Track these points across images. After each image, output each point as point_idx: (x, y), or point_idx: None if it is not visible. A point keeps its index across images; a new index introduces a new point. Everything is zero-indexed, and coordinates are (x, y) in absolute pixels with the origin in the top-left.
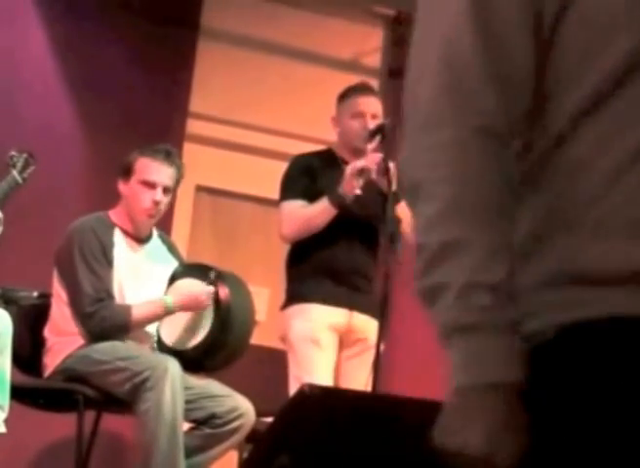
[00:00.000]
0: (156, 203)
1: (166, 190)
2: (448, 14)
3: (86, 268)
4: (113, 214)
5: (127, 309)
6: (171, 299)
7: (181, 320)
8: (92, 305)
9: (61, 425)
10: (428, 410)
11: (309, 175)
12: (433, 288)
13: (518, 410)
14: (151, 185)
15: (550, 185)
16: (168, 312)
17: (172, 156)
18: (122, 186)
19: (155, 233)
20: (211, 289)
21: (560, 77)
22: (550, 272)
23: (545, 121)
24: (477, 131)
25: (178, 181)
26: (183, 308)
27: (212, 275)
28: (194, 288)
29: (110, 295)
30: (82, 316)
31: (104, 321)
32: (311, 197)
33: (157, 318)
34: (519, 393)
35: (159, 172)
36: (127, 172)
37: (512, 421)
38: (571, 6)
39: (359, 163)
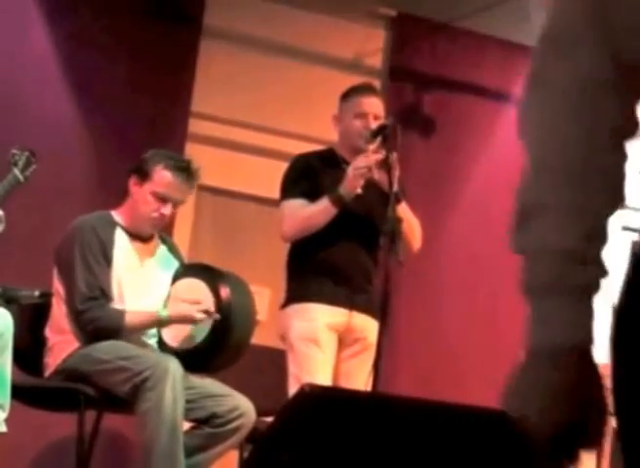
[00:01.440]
0: (163, 216)
1: (176, 205)
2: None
3: (83, 266)
4: (117, 213)
5: (120, 314)
6: (166, 314)
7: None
8: (84, 303)
9: (62, 425)
10: (428, 410)
11: (310, 174)
12: (518, 248)
13: (578, 374)
14: (163, 200)
15: None
16: (161, 325)
17: (192, 173)
18: (133, 186)
19: (156, 234)
20: (205, 317)
21: None
22: None
23: None
24: (579, 82)
25: (189, 194)
26: (176, 323)
27: (212, 296)
28: (191, 301)
29: (105, 294)
30: (74, 313)
31: (95, 321)
32: (312, 197)
33: (149, 328)
34: (586, 354)
35: (176, 190)
36: (143, 175)
37: (567, 388)
38: None
39: (360, 162)
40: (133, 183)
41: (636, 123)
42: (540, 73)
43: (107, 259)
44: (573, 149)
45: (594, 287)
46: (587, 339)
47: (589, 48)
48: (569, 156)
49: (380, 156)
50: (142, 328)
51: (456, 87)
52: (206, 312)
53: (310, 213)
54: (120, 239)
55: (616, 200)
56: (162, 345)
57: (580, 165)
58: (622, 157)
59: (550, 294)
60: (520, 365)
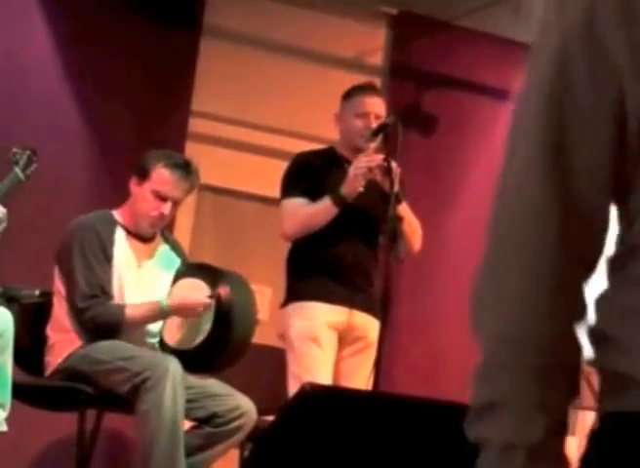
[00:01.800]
0: (163, 215)
1: (176, 203)
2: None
3: (83, 264)
4: (118, 213)
5: (120, 308)
6: (167, 302)
7: (184, 320)
8: (84, 301)
9: (63, 424)
10: (429, 409)
11: (311, 173)
12: (478, 439)
13: None
14: (163, 199)
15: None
16: (163, 315)
17: (190, 172)
18: (134, 187)
19: (158, 233)
20: (209, 302)
21: None
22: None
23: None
24: (536, 269)
25: (189, 193)
26: (179, 313)
27: (212, 291)
28: (194, 293)
29: (106, 293)
30: (75, 311)
31: (97, 318)
32: (313, 195)
33: (151, 320)
34: None
35: (175, 187)
36: (142, 174)
37: None
38: None
39: (362, 163)
40: (133, 183)
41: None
42: (496, 253)
43: (108, 258)
44: (528, 346)
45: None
46: None
47: (550, 228)
48: (521, 353)
49: (381, 157)
50: (144, 320)
51: (456, 85)
52: (210, 297)
53: (311, 212)
54: (120, 238)
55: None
56: (163, 345)
57: (535, 361)
58: (578, 348)
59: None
60: None
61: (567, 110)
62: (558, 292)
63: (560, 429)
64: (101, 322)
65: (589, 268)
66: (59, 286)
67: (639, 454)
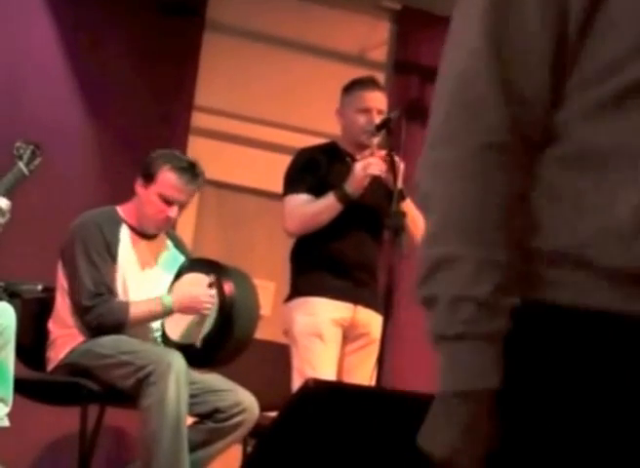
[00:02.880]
0: (169, 218)
1: (182, 206)
2: (466, 39)
3: (87, 262)
4: (122, 210)
5: (125, 306)
6: (170, 299)
7: (186, 315)
8: (90, 299)
9: (65, 419)
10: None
11: (314, 168)
12: (427, 298)
13: (485, 418)
14: (169, 202)
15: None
16: (166, 312)
17: (197, 175)
18: (139, 188)
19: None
20: (212, 292)
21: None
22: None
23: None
24: (481, 148)
25: (194, 195)
26: (182, 310)
27: (211, 278)
28: (196, 288)
29: (110, 291)
30: (80, 310)
31: (101, 316)
32: (316, 191)
33: (155, 317)
34: (493, 399)
35: (181, 191)
36: (148, 177)
37: (476, 429)
38: (600, 11)
39: (371, 170)
40: (138, 185)
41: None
42: (445, 131)
43: (112, 256)
44: (473, 208)
45: (502, 334)
46: (497, 383)
47: (493, 110)
48: (469, 214)
49: (385, 153)
50: (148, 318)
51: None
52: (210, 285)
53: (315, 209)
54: (125, 237)
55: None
56: (165, 339)
57: (479, 223)
58: (520, 216)
59: (461, 341)
60: (432, 409)
61: (510, 22)
62: (504, 171)
63: (511, 288)
64: (106, 320)
65: (534, 146)
66: (62, 281)
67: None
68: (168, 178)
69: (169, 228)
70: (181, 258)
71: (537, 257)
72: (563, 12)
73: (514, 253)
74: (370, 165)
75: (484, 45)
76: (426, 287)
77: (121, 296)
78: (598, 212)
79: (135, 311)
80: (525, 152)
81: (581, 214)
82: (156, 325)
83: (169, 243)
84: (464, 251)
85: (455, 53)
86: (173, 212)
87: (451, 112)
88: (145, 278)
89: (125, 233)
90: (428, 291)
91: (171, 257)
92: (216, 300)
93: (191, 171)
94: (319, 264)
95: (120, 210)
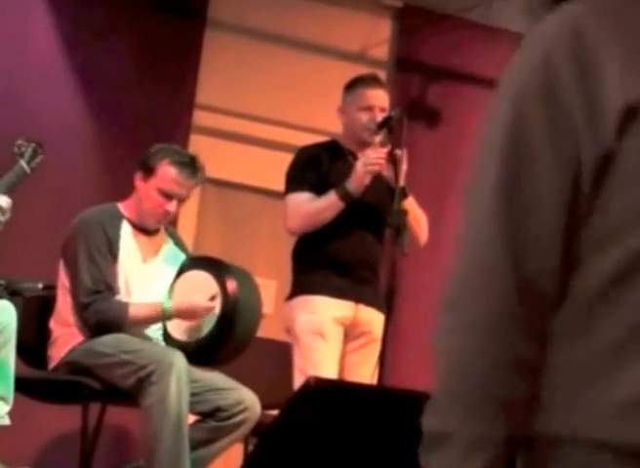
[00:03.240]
0: (168, 213)
1: (181, 201)
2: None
3: (88, 260)
4: (123, 206)
5: (124, 306)
6: (170, 305)
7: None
8: (88, 296)
9: (66, 417)
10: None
11: (316, 167)
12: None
13: None
14: (169, 196)
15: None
16: (165, 317)
17: (197, 169)
18: (139, 182)
19: (162, 227)
20: (212, 304)
21: (598, 239)
22: None
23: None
24: (488, 316)
25: (194, 189)
26: (180, 317)
27: (215, 288)
28: (197, 296)
29: (110, 288)
30: (78, 307)
31: (99, 314)
32: (318, 189)
33: (154, 321)
34: None
35: (181, 185)
36: (148, 171)
37: None
38: (612, 168)
39: (372, 160)
40: (138, 179)
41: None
42: (454, 299)
43: (113, 254)
44: (474, 381)
45: None
46: None
47: (503, 278)
48: (469, 387)
49: (387, 150)
50: (147, 320)
51: (462, 78)
52: (211, 299)
53: (317, 207)
54: (126, 233)
55: (517, 425)
56: (167, 338)
57: (480, 396)
58: (527, 388)
59: None
60: None
61: (523, 183)
62: (511, 342)
63: (499, 465)
64: (104, 318)
65: (550, 309)
66: (63, 279)
67: None
68: (167, 172)
69: (168, 222)
70: (182, 255)
71: (539, 434)
72: (575, 177)
73: (515, 426)
74: (369, 158)
75: (499, 209)
76: (424, 460)
77: (123, 291)
78: (602, 387)
79: (134, 312)
80: (536, 322)
81: (585, 390)
82: (158, 324)
83: (169, 240)
84: (459, 427)
85: (471, 207)
86: (172, 206)
87: (462, 276)
88: (147, 270)
89: (126, 229)
90: (425, 464)
91: (172, 252)
92: (218, 300)
93: (191, 165)
94: (321, 263)
95: (121, 206)
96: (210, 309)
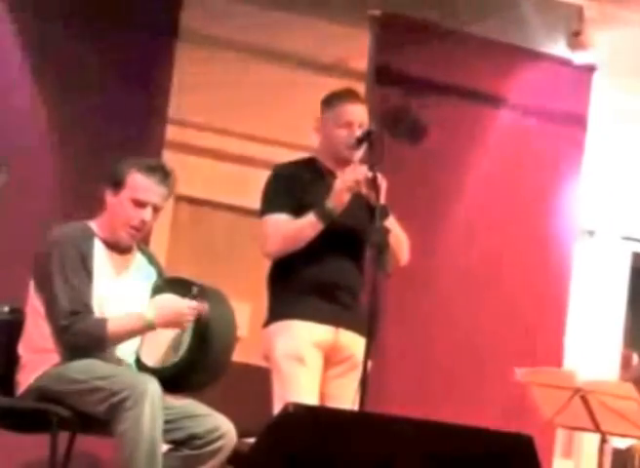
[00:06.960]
0: (144, 222)
1: (156, 209)
2: None
3: (62, 280)
4: (94, 225)
5: (103, 322)
6: (152, 314)
7: (160, 338)
8: (67, 318)
9: (34, 447)
10: (416, 429)
11: (293, 186)
12: None
13: None
14: (142, 205)
15: None
16: (148, 327)
17: (167, 175)
18: (109, 197)
19: (135, 245)
20: (194, 304)
21: None
22: None
23: None
24: None
25: (167, 197)
26: (165, 324)
27: (194, 290)
28: (177, 301)
29: (88, 308)
30: (57, 330)
31: (79, 334)
32: (295, 209)
33: (136, 333)
34: None
35: (152, 191)
36: (117, 184)
37: None
38: None
39: (349, 176)
40: (108, 195)
41: None
42: None
43: (88, 272)
44: None
45: None
46: None
47: None
48: None
49: (366, 168)
50: (129, 333)
51: (445, 90)
52: (193, 297)
53: (296, 229)
54: (99, 251)
55: None
56: (139, 364)
57: None
58: None
59: None
60: None
61: None
62: None
63: None
64: (84, 338)
65: None
66: (33, 303)
67: None
68: (137, 180)
69: (143, 235)
70: (153, 270)
71: None
72: None
73: None
74: (347, 174)
75: None
76: None
77: (97, 308)
78: None
79: (113, 327)
80: None
81: None
82: (130, 349)
83: (142, 257)
84: None
85: None
86: (147, 214)
87: None
88: (121, 291)
89: (99, 248)
90: None
91: (144, 268)
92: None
93: (160, 170)
94: (298, 286)
95: (92, 224)
96: (194, 309)
